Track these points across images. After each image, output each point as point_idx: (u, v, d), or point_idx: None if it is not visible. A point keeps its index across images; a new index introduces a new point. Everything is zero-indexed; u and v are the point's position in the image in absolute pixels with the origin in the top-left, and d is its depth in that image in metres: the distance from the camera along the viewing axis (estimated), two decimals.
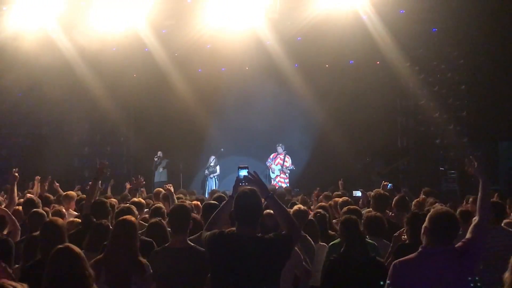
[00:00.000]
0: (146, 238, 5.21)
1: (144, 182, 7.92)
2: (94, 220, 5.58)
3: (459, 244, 3.81)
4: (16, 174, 6.97)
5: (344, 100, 16.69)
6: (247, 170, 4.13)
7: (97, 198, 6.33)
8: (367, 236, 5.44)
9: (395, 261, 3.82)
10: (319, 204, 7.86)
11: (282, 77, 16.53)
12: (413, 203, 7.82)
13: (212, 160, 17.26)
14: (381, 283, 4.13)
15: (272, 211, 5.02)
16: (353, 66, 17.10)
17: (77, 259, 3.65)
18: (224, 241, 3.77)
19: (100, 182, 6.41)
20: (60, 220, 4.79)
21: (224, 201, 4.22)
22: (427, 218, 3.88)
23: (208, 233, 3.89)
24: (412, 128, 16.89)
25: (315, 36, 15.30)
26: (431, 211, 3.96)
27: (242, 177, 4.10)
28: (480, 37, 14.64)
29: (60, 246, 3.74)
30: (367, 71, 16.55)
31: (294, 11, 14.47)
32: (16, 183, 7.02)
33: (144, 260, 4.45)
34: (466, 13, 14.39)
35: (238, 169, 4.14)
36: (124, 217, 4.62)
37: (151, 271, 4.44)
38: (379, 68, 16.21)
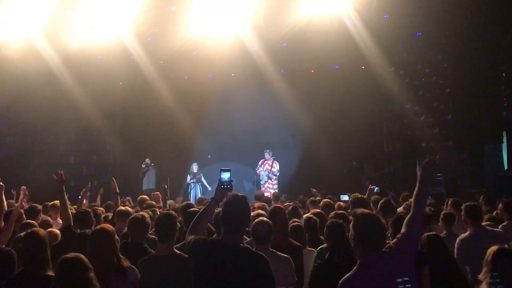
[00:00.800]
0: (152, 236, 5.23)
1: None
2: (78, 230, 5.56)
3: (394, 241, 3.73)
4: (1, 183, 6.90)
5: (330, 105, 16.77)
6: (229, 172, 4.12)
7: (82, 208, 6.31)
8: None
9: (340, 280, 3.65)
10: (313, 210, 7.87)
11: (268, 83, 16.57)
12: (403, 206, 7.86)
13: (195, 167, 17.26)
14: None
15: (264, 218, 5.07)
16: (338, 71, 17.21)
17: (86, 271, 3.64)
18: (207, 249, 3.73)
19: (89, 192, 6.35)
20: (41, 231, 4.74)
21: (207, 205, 4.17)
22: (351, 226, 3.77)
23: (192, 238, 3.84)
24: (398, 132, 16.96)
25: (300, 42, 15.37)
26: (353, 218, 3.83)
27: (224, 179, 4.09)
28: (463, 41, 14.75)
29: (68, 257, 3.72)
30: (352, 76, 16.64)
31: (279, 17, 14.49)
32: (2, 192, 6.96)
33: (127, 265, 4.43)
34: (449, 17, 14.49)
35: (221, 171, 4.12)
36: (99, 226, 4.62)
37: (138, 275, 4.43)
38: (364, 73, 16.28)
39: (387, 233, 5.12)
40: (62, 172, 6.19)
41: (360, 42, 14.66)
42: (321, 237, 6.45)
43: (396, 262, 3.61)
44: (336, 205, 8.28)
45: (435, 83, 16.02)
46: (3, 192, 7.01)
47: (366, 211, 3.87)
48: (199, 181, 17.16)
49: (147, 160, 17.54)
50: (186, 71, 17.81)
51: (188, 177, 17.38)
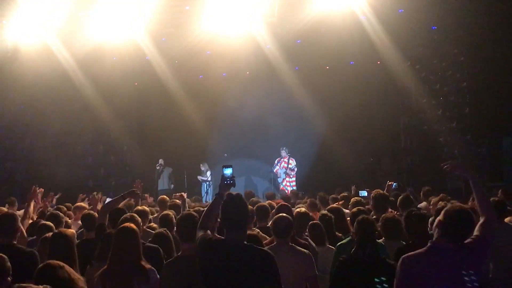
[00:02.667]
0: (152, 245, 5.22)
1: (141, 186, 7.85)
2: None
3: (469, 240, 3.77)
4: (37, 189, 7.04)
5: (345, 101, 16.69)
6: (231, 168, 4.27)
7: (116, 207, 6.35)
8: (383, 239, 5.46)
9: (403, 256, 3.75)
10: (330, 206, 7.84)
11: (283, 80, 16.52)
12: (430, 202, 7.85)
13: (203, 166, 17.32)
14: (380, 279, 4.18)
15: (284, 214, 5.11)
16: (354, 67, 17.09)
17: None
18: (212, 248, 3.82)
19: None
20: (69, 231, 4.79)
21: (212, 200, 4.29)
22: (442, 212, 3.84)
23: (200, 236, 3.95)
24: (415, 127, 16.83)
25: (315, 38, 15.32)
26: (448, 206, 3.92)
27: (227, 175, 4.24)
28: (480, 33, 14.61)
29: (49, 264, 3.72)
30: (367, 72, 16.54)
31: (292, 14, 14.47)
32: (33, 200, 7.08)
33: (148, 266, 4.43)
34: (465, 10, 14.39)
35: (223, 167, 4.28)
36: (123, 225, 4.62)
37: (158, 277, 4.44)
38: (379, 68, 16.17)
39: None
40: (138, 192, 6.31)
41: (375, 37, 14.58)
42: (337, 233, 6.46)
43: (465, 256, 3.67)
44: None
45: (452, 77, 15.88)
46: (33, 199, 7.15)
47: (461, 205, 3.95)
48: (206, 180, 17.22)
49: (161, 161, 17.61)
50: (201, 70, 17.85)
51: (199, 177, 17.46)
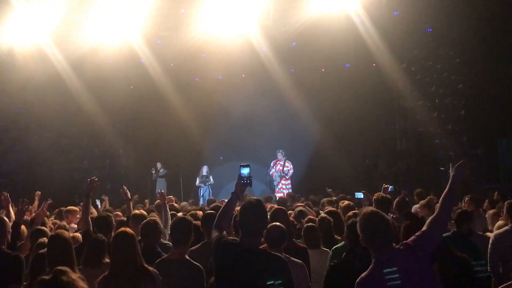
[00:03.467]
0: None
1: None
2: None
3: (412, 238, 3.69)
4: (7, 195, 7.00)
5: (341, 104, 16.72)
6: (249, 168, 4.18)
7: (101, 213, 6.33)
8: None
9: (358, 279, 3.65)
10: (327, 209, 7.83)
11: (278, 82, 16.53)
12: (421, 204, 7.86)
13: (205, 170, 17.28)
14: None
15: (277, 223, 5.08)
16: (349, 69, 17.13)
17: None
18: (227, 251, 3.79)
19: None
20: (66, 233, 4.77)
21: (228, 199, 4.21)
22: (357, 226, 3.77)
23: (215, 237, 3.91)
24: (411, 129, 16.85)
25: (310, 41, 15.36)
26: (359, 216, 3.81)
27: (244, 174, 4.15)
28: (475, 36, 14.62)
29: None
30: (363, 74, 16.57)
31: (288, 17, 14.49)
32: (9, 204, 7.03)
33: (151, 268, 4.41)
34: (460, 12, 14.39)
35: (240, 167, 4.17)
36: (121, 229, 4.58)
37: (161, 278, 4.42)
38: (375, 71, 16.19)
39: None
40: (96, 178, 6.20)
41: (370, 40, 14.61)
42: (336, 236, 6.44)
43: (411, 260, 3.59)
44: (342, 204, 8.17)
45: (447, 79, 15.87)
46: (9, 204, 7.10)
47: (370, 209, 3.85)
48: (206, 183, 17.16)
49: (158, 164, 17.58)
50: (196, 73, 17.86)
51: (198, 180, 17.41)
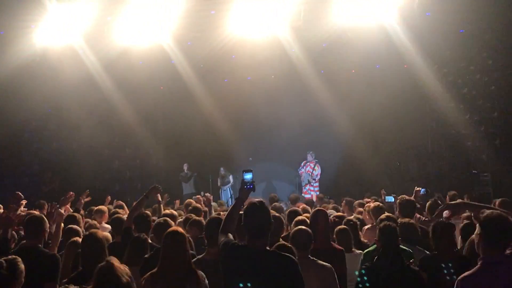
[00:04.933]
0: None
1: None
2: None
3: None
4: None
5: (372, 105, 16.58)
6: (251, 173, 4.29)
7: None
8: (401, 244, 5.37)
9: (459, 278, 3.64)
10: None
11: (308, 84, 16.48)
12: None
13: (222, 171, 17.36)
14: None
15: (303, 227, 5.10)
16: (380, 70, 16.96)
17: (121, 277, 3.64)
18: (236, 254, 3.82)
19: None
20: (100, 233, 4.84)
21: (233, 204, 4.29)
22: (478, 224, 3.73)
23: (222, 241, 3.96)
24: (443, 131, 16.62)
25: (340, 42, 15.24)
26: (483, 216, 3.76)
27: (247, 180, 4.25)
28: (508, 37, 14.38)
29: (103, 264, 3.68)
30: (394, 75, 16.40)
31: (318, 19, 14.41)
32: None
33: (199, 271, 4.45)
34: (493, 13, 14.16)
35: (243, 172, 4.29)
36: (173, 228, 4.64)
37: (207, 282, 4.44)
38: (406, 72, 16.02)
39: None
40: (158, 186, 6.41)
41: (402, 41, 14.45)
42: (362, 239, 6.42)
43: None
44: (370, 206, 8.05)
45: (480, 81, 15.63)
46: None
47: (496, 211, 3.80)
48: (226, 184, 17.24)
49: (185, 166, 17.71)
50: (226, 74, 17.92)
51: (219, 181, 17.51)
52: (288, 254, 3.87)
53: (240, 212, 4.04)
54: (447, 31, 15.16)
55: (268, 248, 3.89)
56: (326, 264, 4.93)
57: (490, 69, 15.40)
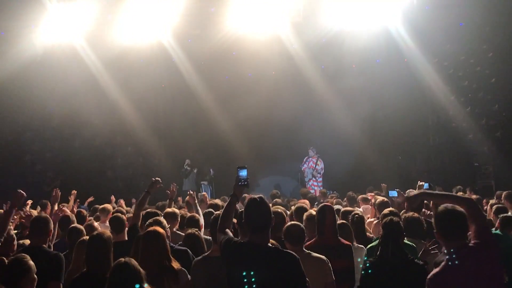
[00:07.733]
0: (180, 247, 5.28)
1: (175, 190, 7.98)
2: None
3: (487, 235, 3.69)
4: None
5: (372, 99, 16.59)
6: (246, 170, 4.28)
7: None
8: (405, 238, 5.42)
9: (429, 275, 3.68)
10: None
11: (309, 79, 16.50)
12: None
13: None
14: None
15: (296, 222, 5.18)
16: (380, 64, 16.95)
17: (137, 274, 3.70)
18: (238, 251, 3.82)
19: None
20: (107, 233, 4.86)
21: (228, 202, 4.28)
22: (433, 220, 3.85)
23: (223, 239, 3.96)
24: (444, 125, 16.63)
25: (340, 37, 15.25)
26: (436, 212, 3.88)
27: (242, 176, 4.25)
28: (508, 29, 14.38)
29: (121, 261, 3.77)
30: (394, 69, 16.40)
31: (318, 14, 14.44)
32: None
33: (178, 267, 4.50)
34: (493, 6, 14.16)
35: (237, 169, 4.27)
36: (149, 229, 4.70)
37: (189, 278, 4.50)
38: (407, 66, 16.02)
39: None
40: (159, 179, 6.35)
41: (401, 35, 14.47)
42: (367, 234, 6.45)
43: (484, 257, 3.58)
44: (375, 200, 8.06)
45: (480, 73, 15.63)
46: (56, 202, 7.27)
47: (450, 205, 3.83)
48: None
49: (187, 161, 17.73)
50: (227, 71, 17.91)
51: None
52: (289, 251, 3.88)
53: (241, 210, 4.07)
54: (447, 25, 15.16)
55: (269, 244, 3.89)
56: (321, 256, 4.94)
57: (491, 62, 15.40)
